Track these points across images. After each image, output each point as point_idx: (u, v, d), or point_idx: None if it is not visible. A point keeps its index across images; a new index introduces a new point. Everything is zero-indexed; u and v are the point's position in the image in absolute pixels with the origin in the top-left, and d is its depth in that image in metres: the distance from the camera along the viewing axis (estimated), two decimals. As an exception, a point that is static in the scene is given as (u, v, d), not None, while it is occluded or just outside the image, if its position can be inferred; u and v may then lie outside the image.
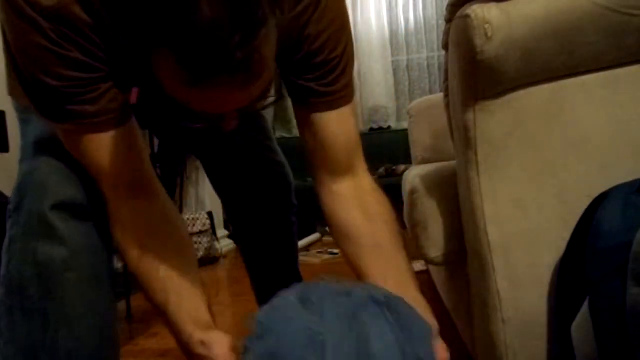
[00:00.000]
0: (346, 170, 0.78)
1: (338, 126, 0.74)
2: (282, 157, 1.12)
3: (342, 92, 0.73)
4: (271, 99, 0.62)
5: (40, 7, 0.54)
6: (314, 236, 3.36)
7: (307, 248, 3.05)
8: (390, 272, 0.70)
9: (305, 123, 0.74)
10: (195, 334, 0.66)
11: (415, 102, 2.04)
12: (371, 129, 4.42)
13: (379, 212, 0.75)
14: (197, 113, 0.56)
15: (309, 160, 0.76)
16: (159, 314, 0.70)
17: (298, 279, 1.15)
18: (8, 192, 1.54)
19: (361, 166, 0.81)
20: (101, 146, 0.65)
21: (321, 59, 0.69)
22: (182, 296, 0.68)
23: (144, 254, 0.69)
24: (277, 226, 1.14)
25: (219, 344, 0.64)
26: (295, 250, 1.23)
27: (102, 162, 0.66)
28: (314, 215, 3.50)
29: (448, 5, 0.82)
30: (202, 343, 0.65)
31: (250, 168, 1.05)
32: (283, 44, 0.57)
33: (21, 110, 0.81)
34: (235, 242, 3.58)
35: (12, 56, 0.60)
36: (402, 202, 1.27)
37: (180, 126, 0.68)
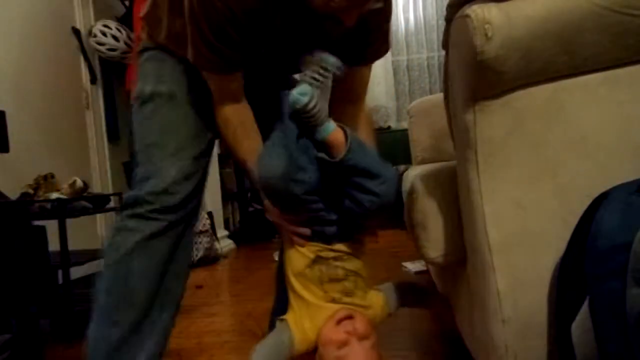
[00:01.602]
0: (355, 100, 1.21)
1: (363, 74, 1.18)
2: None
3: (378, 55, 1.15)
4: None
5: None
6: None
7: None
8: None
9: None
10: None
11: (415, 102, 2.04)
12: (371, 129, 4.42)
13: (359, 128, 1.18)
14: (328, 18, 0.91)
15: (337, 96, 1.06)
16: (241, 162, 1.12)
17: None
18: (8, 191, 1.54)
19: (363, 99, 1.26)
20: (234, 80, 1.06)
21: (374, 36, 1.09)
22: (252, 154, 1.04)
23: (234, 134, 1.10)
24: None
25: None
26: None
27: (231, 87, 1.07)
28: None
29: (448, 5, 0.82)
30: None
31: None
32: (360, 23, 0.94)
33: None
34: (235, 241, 3.59)
35: (199, 28, 0.96)
36: (402, 202, 1.26)
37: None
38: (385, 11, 1.06)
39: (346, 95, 1.13)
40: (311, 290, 0.99)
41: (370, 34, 1.08)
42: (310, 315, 0.98)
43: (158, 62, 1.15)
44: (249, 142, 1.09)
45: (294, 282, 1.01)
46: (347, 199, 0.95)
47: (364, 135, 1.13)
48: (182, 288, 1.14)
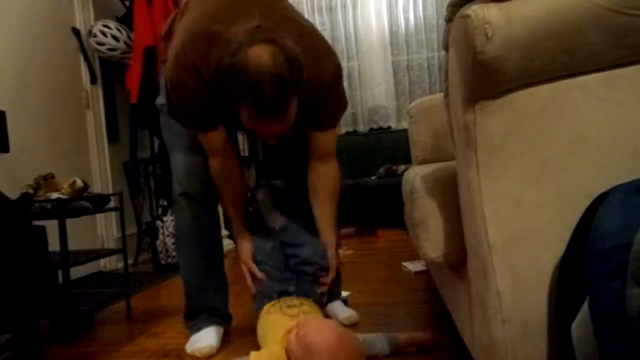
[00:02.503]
0: (322, 159, 1.49)
1: (323, 139, 1.46)
2: None
3: (329, 124, 1.45)
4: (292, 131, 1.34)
5: (188, 87, 1.27)
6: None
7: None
8: (321, 215, 1.51)
9: (308, 134, 1.46)
10: (239, 231, 1.52)
11: (415, 102, 2.04)
12: (371, 129, 4.42)
13: (327, 184, 1.50)
14: (256, 134, 1.29)
15: (308, 152, 1.48)
16: (224, 208, 1.54)
17: None
18: (8, 191, 1.54)
19: (332, 158, 1.51)
20: (212, 137, 1.38)
21: (321, 112, 1.40)
22: (240, 208, 1.51)
23: (220, 183, 1.45)
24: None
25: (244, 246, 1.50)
26: None
27: (211, 144, 1.39)
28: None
29: (448, 5, 0.82)
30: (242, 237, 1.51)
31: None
32: (301, 105, 1.24)
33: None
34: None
35: (171, 102, 1.33)
36: (402, 202, 1.26)
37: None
38: (327, 93, 1.36)
39: (313, 155, 1.47)
40: (273, 319, 1.29)
41: (318, 111, 1.37)
42: (273, 334, 1.21)
43: None
44: (232, 198, 1.48)
45: (260, 322, 1.32)
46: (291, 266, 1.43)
47: (326, 192, 1.50)
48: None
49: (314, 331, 1.09)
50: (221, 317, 1.55)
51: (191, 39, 1.26)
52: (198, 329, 1.49)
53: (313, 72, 1.27)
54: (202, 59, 1.23)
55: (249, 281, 1.46)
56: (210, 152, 1.41)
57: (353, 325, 1.56)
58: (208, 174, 1.45)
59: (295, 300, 1.33)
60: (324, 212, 1.50)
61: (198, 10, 1.35)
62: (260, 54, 1.11)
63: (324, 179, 1.49)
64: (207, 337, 1.46)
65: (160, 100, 1.48)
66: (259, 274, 1.43)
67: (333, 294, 1.64)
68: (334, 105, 1.42)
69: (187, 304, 1.55)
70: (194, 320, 1.52)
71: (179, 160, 1.50)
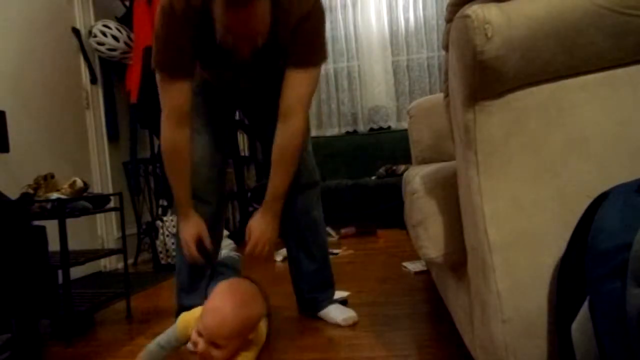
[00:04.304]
0: (291, 110, 1.41)
1: (296, 81, 1.39)
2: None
3: (303, 60, 1.39)
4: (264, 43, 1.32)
5: (175, 11, 1.30)
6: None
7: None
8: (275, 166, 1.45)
9: (284, 79, 1.40)
10: (182, 208, 1.49)
11: (415, 102, 2.03)
12: (371, 129, 4.42)
13: (287, 151, 1.44)
14: (231, 51, 1.32)
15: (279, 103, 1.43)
16: (170, 183, 1.48)
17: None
18: (8, 191, 1.54)
19: (300, 110, 1.42)
20: (178, 90, 1.38)
21: (298, 44, 1.37)
22: (182, 185, 1.48)
23: (169, 156, 1.45)
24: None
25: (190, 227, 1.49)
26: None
27: (174, 100, 1.39)
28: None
29: (448, 5, 0.82)
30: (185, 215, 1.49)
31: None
32: (276, 22, 1.31)
33: None
34: (235, 242, 3.59)
35: (156, 43, 1.36)
36: (402, 202, 1.27)
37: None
38: (306, 21, 1.34)
39: (283, 103, 1.40)
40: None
41: (296, 43, 1.36)
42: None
43: None
44: (179, 173, 1.46)
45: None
46: None
47: (283, 160, 1.43)
48: None
49: (218, 291, 1.15)
50: None
51: None
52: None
53: (294, 3, 1.32)
54: None
55: (187, 259, 1.48)
56: (168, 114, 1.40)
57: (352, 326, 1.57)
58: (215, 176, 1.56)
59: None
60: (276, 174, 1.44)
61: None
62: None
63: (285, 145, 1.42)
64: None
65: None
66: (198, 257, 1.46)
67: (324, 302, 1.66)
68: (312, 39, 1.38)
69: (178, 302, 1.59)
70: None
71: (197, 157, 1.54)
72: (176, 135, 1.41)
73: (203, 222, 1.49)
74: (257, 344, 1.21)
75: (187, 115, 1.41)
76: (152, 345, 1.24)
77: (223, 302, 1.12)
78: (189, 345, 1.19)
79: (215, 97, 1.60)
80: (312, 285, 1.69)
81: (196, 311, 1.20)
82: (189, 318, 1.21)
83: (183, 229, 1.47)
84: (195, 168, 1.51)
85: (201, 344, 1.09)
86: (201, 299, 1.47)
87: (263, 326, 1.24)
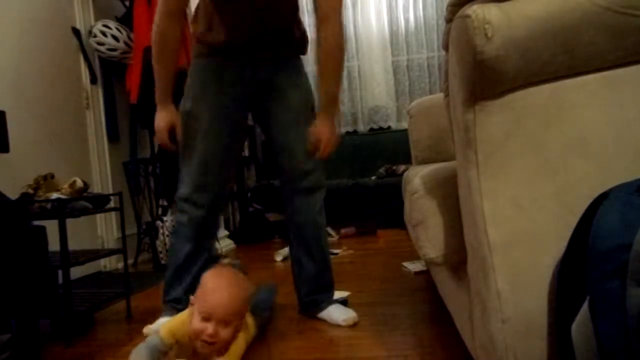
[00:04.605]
0: (326, 17, 1.49)
1: None
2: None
3: None
4: None
5: None
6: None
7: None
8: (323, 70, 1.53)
9: None
10: (162, 96, 1.58)
11: (415, 102, 2.04)
12: (371, 129, 4.42)
13: (331, 43, 1.52)
14: None
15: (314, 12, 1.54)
16: (155, 72, 1.58)
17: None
18: (8, 191, 1.54)
19: (335, 16, 1.50)
20: None
21: None
22: (165, 75, 1.58)
23: (159, 45, 1.54)
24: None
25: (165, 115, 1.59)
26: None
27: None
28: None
29: (448, 5, 0.82)
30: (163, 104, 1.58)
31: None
32: None
33: None
34: (235, 241, 3.59)
35: None
36: (402, 202, 1.27)
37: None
38: None
39: (318, 11, 1.50)
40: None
41: None
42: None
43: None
44: (166, 63, 1.54)
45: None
46: None
47: (323, 65, 1.52)
48: None
49: (209, 276, 1.23)
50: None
51: None
52: (163, 315, 1.62)
53: None
54: None
55: (159, 142, 1.60)
56: (162, 6, 1.50)
57: (352, 326, 1.57)
58: (212, 183, 1.59)
59: None
60: (326, 78, 1.53)
61: None
62: None
63: (331, 47, 1.50)
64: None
65: (183, 105, 1.59)
66: (169, 142, 1.57)
67: (323, 303, 1.67)
68: None
69: (163, 298, 1.66)
70: (165, 305, 1.65)
71: (191, 165, 1.59)
72: (167, 27, 1.50)
73: (178, 114, 1.59)
74: (246, 329, 1.31)
75: (179, 12, 1.51)
76: (142, 349, 1.23)
77: (218, 283, 1.20)
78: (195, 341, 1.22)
79: (230, 93, 1.58)
80: (312, 288, 1.70)
81: (175, 318, 1.27)
82: (170, 324, 1.26)
83: (158, 117, 1.57)
84: (195, 171, 1.57)
85: (210, 327, 1.15)
86: (184, 291, 1.59)
87: (249, 319, 1.36)
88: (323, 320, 1.64)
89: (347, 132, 4.45)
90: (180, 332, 1.22)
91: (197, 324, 1.17)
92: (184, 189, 1.60)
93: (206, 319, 1.16)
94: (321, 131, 1.54)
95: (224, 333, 1.17)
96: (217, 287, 1.20)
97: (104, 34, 2.93)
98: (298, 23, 1.64)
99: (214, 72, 1.58)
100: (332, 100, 1.56)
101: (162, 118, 1.57)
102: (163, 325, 1.26)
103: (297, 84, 1.64)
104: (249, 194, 4.02)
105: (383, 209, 3.47)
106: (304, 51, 1.69)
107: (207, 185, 1.59)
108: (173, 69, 1.57)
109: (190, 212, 1.59)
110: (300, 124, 1.60)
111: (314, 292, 1.69)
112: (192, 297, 1.23)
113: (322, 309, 1.66)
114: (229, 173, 1.66)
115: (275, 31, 1.57)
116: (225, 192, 1.69)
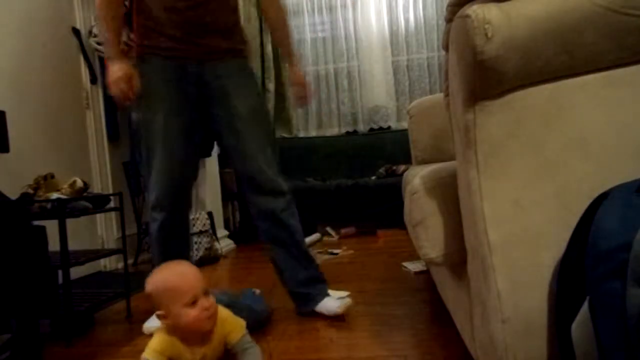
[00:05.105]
0: None
1: None
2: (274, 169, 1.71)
3: None
4: None
5: None
6: (315, 236, 3.36)
7: (307, 248, 3.05)
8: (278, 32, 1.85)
9: None
10: (113, 49, 1.63)
11: (415, 102, 2.04)
12: (371, 129, 4.42)
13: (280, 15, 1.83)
14: None
15: None
16: (105, 31, 1.65)
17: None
18: (8, 191, 1.54)
19: None
20: None
21: None
22: (112, 29, 1.62)
23: (106, 7, 1.60)
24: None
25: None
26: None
27: None
28: (315, 216, 3.51)
29: (448, 5, 0.82)
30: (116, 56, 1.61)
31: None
32: None
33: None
34: (235, 241, 3.59)
35: None
36: (402, 202, 1.26)
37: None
38: None
39: None
40: None
41: None
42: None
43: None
44: (113, 21, 1.60)
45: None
46: None
47: (280, 21, 1.83)
48: None
49: (155, 281, 1.23)
50: None
51: None
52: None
53: None
54: None
55: (113, 94, 1.62)
56: None
57: (350, 321, 1.57)
58: (174, 188, 1.63)
59: None
60: (283, 35, 1.84)
61: None
62: None
63: (277, 10, 1.80)
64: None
65: (136, 115, 1.67)
66: (127, 91, 1.58)
67: (318, 295, 1.69)
68: None
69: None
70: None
71: (156, 171, 1.62)
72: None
73: (133, 68, 1.61)
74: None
75: None
76: None
77: (168, 273, 1.22)
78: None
79: (178, 102, 1.61)
80: (297, 280, 1.71)
81: (153, 340, 1.23)
82: (153, 347, 1.22)
83: (113, 69, 1.59)
84: (157, 179, 1.61)
85: (203, 301, 1.15)
86: None
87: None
88: (323, 320, 1.64)
89: (347, 132, 4.45)
90: (169, 348, 1.20)
91: (191, 312, 1.14)
92: (151, 197, 1.65)
93: (193, 302, 1.15)
94: (298, 75, 1.82)
95: (212, 300, 1.18)
96: (171, 275, 1.20)
97: (104, 34, 2.93)
98: (238, 24, 1.74)
99: (157, 73, 1.60)
100: (293, 51, 1.86)
101: (119, 69, 1.57)
102: (146, 352, 1.22)
103: (244, 86, 1.67)
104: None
105: (383, 209, 3.47)
106: (244, 52, 1.73)
107: (170, 186, 1.62)
108: (119, 23, 1.62)
109: (160, 218, 1.64)
110: (253, 128, 1.64)
111: (302, 284, 1.71)
112: (158, 312, 1.20)
113: (317, 301, 1.68)
114: (190, 172, 1.70)
115: (213, 27, 1.62)
116: (189, 191, 1.72)
